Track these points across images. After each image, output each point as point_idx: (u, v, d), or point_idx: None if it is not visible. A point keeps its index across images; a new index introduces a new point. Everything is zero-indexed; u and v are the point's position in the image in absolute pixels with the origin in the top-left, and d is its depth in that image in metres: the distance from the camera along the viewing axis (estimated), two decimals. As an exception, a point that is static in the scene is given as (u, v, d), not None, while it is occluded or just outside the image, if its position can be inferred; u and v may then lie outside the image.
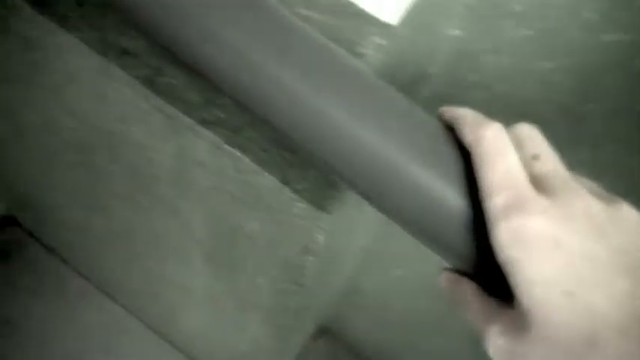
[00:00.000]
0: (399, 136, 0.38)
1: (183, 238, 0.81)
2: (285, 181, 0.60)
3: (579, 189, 0.34)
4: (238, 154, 0.61)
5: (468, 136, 0.37)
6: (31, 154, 0.92)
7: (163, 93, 0.62)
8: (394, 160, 0.38)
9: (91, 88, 0.68)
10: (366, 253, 1.02)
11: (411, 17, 0.42)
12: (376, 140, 0.38)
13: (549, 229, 0.33)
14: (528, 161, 0.36)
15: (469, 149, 0.37)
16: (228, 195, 0.68)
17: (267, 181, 0.61)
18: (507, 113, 0.41)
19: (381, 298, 1.10)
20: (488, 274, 0.37)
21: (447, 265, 0.41)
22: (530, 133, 0.38)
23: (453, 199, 0.38)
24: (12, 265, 1.17)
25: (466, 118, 0.38)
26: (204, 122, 0.61)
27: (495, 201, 0.35)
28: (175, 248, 0.84)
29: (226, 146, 0.61)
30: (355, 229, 0.79)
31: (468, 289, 0.39)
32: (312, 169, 0.59)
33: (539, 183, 0.35)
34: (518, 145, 0.37)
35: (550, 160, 0.37)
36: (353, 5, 0.42)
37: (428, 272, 0.66)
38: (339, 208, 0.61)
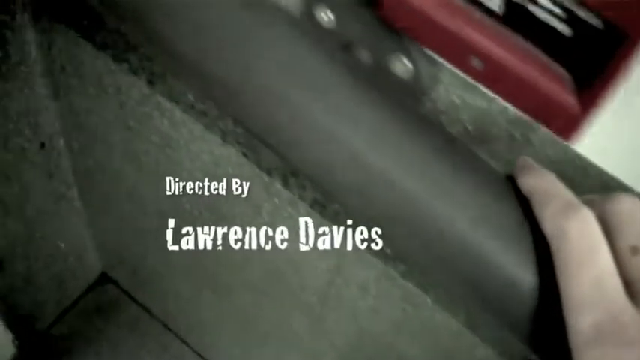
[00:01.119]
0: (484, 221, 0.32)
1: (318, 339, 0.76)
2: (471, 325, 0.54)
3: None
4: (417, 290, 0.55)
5: (548, 225, 0.29)
6: (150, 233, 0.88)
7: (333, 218, 0.56)
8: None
9: (243, 197, 0.63)
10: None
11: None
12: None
13: None
14: (625, 255, 0.28)
15: (548, 240, 0.29)
16: (387, 319, 0.62)
17: (446, 320, 0.55)
18: None
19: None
20: None
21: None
22: (631, 214, 0.29)
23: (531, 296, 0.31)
24: (110, 323, 1.14)
25: (547, 197, 0.30)
26: (381, 255, 0.55)
27: (581, 323, 0.27)
28: (305, 345, 0.79)
29: (403, 281, 0.55)
30: None
31: None
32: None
33: (638, 290, 0.27)
34: (615, 229, 0.28)
35: None
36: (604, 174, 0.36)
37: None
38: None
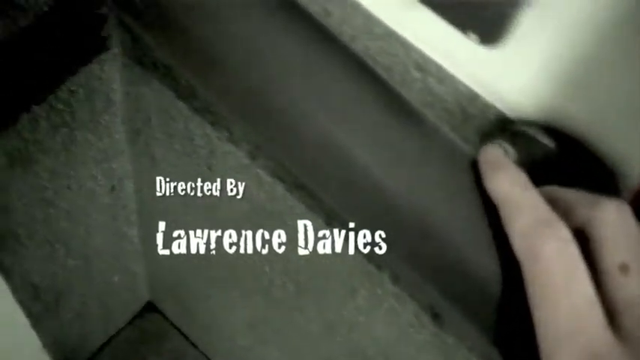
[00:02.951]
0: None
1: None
2: None
3: None
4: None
5: (518, 242, 0.25)
6: (213, 277, 0.84)
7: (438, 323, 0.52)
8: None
9: (341, 284, 0.59)
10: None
11: None
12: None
13: None
14: (613, 275, 0.24)
15: (518, 260, 0.25)
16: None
17: None
18: None
19: None
20: None
21: None
22: (620, 225, 0.25)
23: None
24: (153, 353, 1.10)
25: (518, 208, 0.26)
26: None
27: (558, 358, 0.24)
28: None
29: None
30: None
31: None
32: None
33: (624, 316, 0.24)
34: (602, 242, 0.25)
35: None
36: None
37: None
38: None
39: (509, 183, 0.27)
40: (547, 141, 0.33)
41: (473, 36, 0.26)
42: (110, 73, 0.60)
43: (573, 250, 0.24)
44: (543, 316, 0.24)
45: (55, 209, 0.69)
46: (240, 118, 0.52)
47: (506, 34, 0.26)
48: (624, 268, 0.24)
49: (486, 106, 0.35)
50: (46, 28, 0.51)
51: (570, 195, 0.27)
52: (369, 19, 0.36)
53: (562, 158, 0.33)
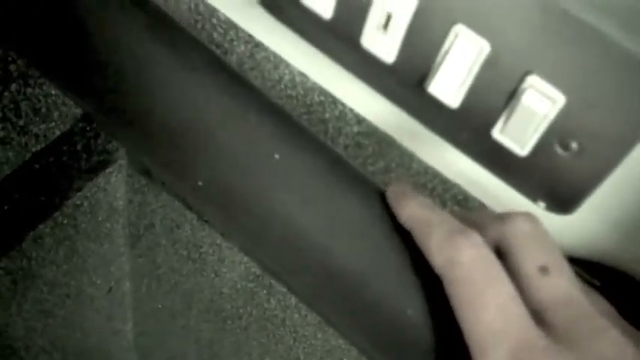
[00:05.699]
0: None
1: None
2: None
3: (604, 324, 0.23)
4: None
5: (435, 256, 0.25)
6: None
7: None
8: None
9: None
10: None
11: None
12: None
13: None
14: (534, 278, 0.24)
15: (438, 274, 0.25)
16: None
17: None
18: None
19: None
20: None
21: None
22: (534, 233, 0.25)
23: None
24: None
25: (429, 226, 0.26)
26: None
27: (493, 358, 0.23)
28: None
29: None
30: None
31: None
32: None
33: (549, 313, 0.24)
34: (518, 251, 0.25)
35: (563, 277, 0.25)
36: None
37: None
38: None
39: (418, 207, 0.27)
40: (589, 278, 0.33)
41: (541, 204, 0.26)
42: (115, 184, 0.60)
43: (489, 253, 0.25)
44: (471, 317, 0.24)
45: (53, 319, 0.67)
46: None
47: (577, 207, 0.26)
48: (544, 270, 0.25)
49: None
50: (56, 152, 0.50)
51: (478, 215, 0.28)
52: (405, 155, 0.37)
53: (607, 295, 0.33)
